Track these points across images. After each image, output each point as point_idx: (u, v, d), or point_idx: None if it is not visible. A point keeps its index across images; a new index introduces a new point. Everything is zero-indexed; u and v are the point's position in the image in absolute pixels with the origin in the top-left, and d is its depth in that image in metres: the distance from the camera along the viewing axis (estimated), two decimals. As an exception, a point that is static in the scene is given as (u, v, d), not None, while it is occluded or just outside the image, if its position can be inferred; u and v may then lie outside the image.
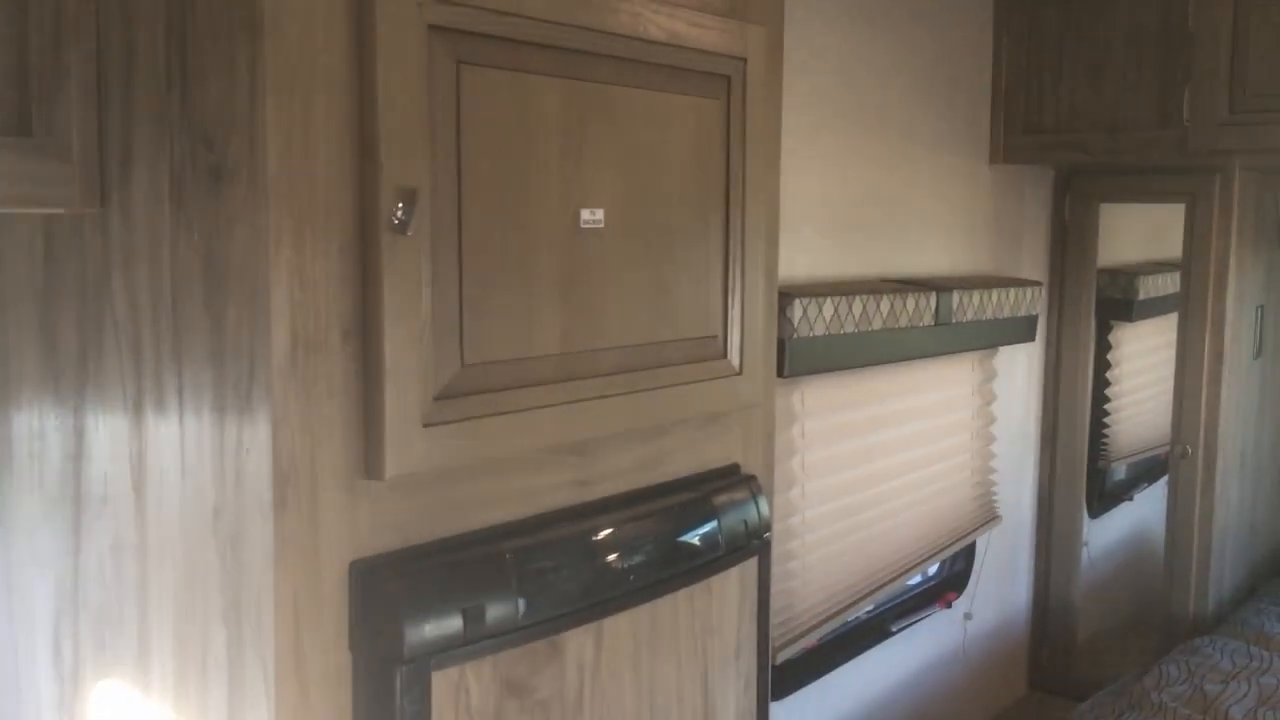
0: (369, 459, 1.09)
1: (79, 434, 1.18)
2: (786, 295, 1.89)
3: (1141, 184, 2.89)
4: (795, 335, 1.88)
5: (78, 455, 1.18)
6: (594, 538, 1.30)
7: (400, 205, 1.07)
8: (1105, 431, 3.38)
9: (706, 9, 1.43)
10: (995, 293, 2.46)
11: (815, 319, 1.91)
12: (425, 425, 1.12)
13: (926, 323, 2.21)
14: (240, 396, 1.04)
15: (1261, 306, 3.09)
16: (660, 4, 1.35)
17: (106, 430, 1.15)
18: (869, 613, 2.47)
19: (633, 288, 1.35)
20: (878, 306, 2.06)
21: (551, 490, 1.29)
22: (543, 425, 1.24)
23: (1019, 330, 2.62)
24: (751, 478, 1.58)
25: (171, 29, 1.06)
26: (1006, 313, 2.50)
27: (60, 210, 1.13)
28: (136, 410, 1.12)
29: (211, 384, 1.06)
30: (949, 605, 2.71)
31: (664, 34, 1.35)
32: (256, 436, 1.03)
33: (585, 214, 1.28)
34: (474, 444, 1.17)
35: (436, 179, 1.12)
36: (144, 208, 1.10)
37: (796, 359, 1.93)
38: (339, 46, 1.05)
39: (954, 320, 2.30)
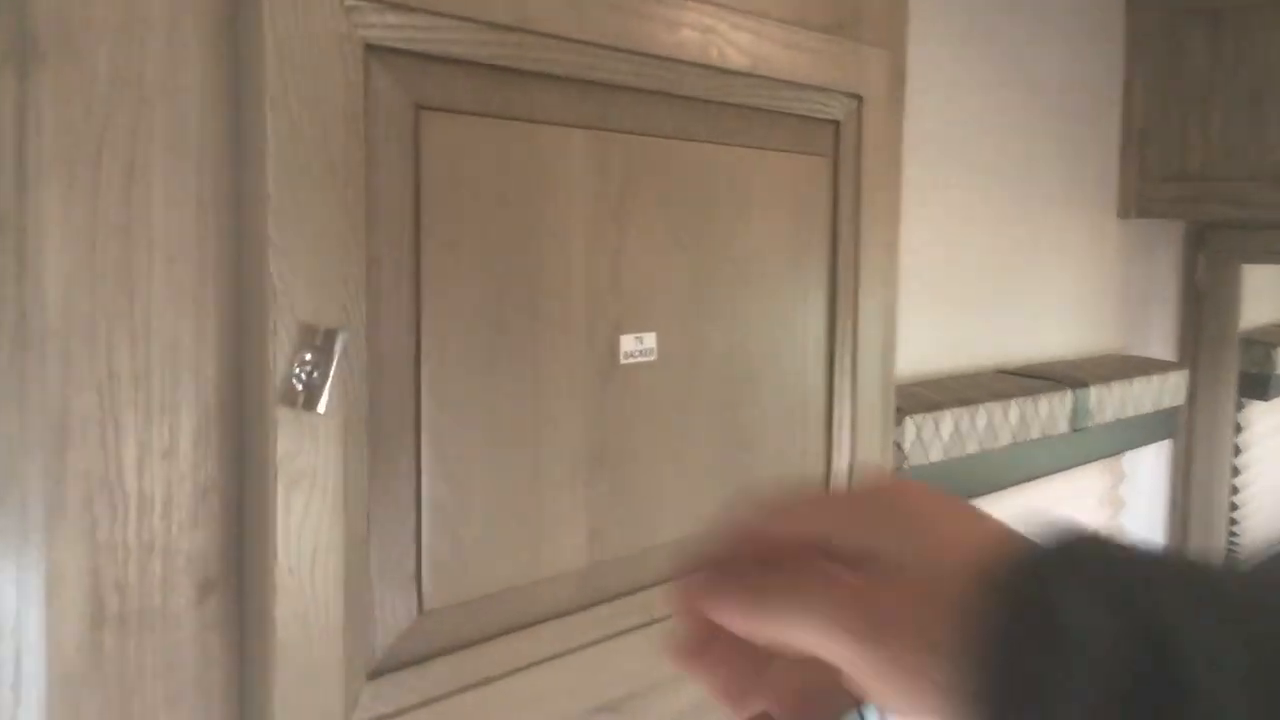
0: (244, 806, 0.62)
1: None
2: (896, 411, 1.41)
3: (1297, 241, 2.38)
4: (907, 464, 1.40)
5: None
6: None
7: (308, 358, 0.61)
8: (1234, 527, 2.86)
9: (805, 23, 0.96)
10: (1136, 383, 1.96)
11: (931, 440, 1.43)
12: (350, 732, 0.65)
13: (1061, 430, 1.72)
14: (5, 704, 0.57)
15: None
16: (741, 15, 0.88)
17: None
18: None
19: (700, 446, 0.88)
20: (1005, 415, 1.58)
21: (570, 779, 0.82)
22: (555, 688, 0.77)
23: (1158, 427, 2.12)
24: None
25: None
26: (1148, 407, 2.00)
27: None
28: None
29: (-38, 679, 0.60)
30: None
31: (746, 60, 0.89)
32: (24, 795, 0.56)
33: (628, 342, 0.81)
34: (438, 743, 0.70)
35: (379, 305, 0.65)
36: None
37: (904, 492, 1.44)
38: (196, 81, 0.59)
39: (1091, 423, 1.81)
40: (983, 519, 0.44)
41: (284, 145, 0.60)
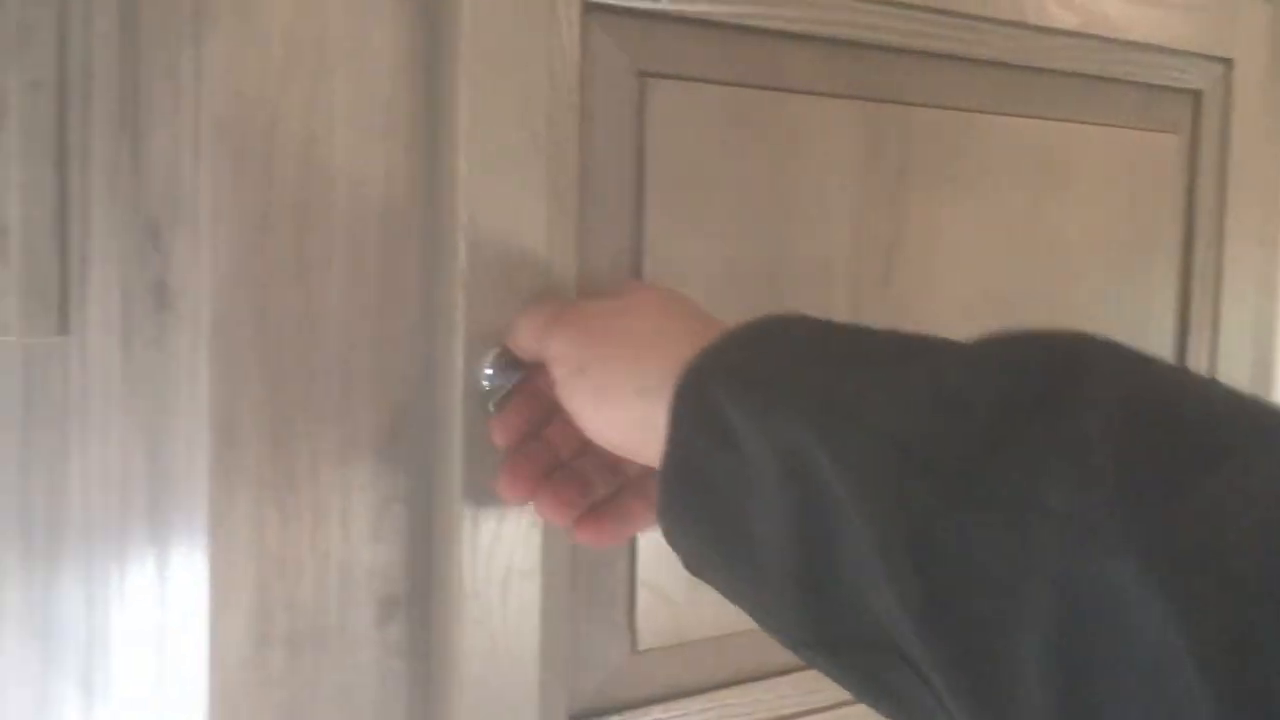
0: None
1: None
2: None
3: None
4: None
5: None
6: None
7: (495, 358, 0.54)
8: None
9: (1157, -28, 0.80)
10: None
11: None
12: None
13: None
14: (167, 728, 0.54)
15: None
16: (1070, -37, 0.73)
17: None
18: None
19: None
20: None
21: None
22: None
23: None
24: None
25: (125, 25, 0.59)
26: None
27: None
28: (86, 677, 0.66)
29: (152, 684, 0.57)
30: None
31: (1075, 18, 0.74)
32: (184, 819, 0.53)
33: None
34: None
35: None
36: (97, 345, 0.63)
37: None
38: (386, 44, 0.53)
39: None
40: (670, 326, 0.48)
41: (480, 118, 0.53)
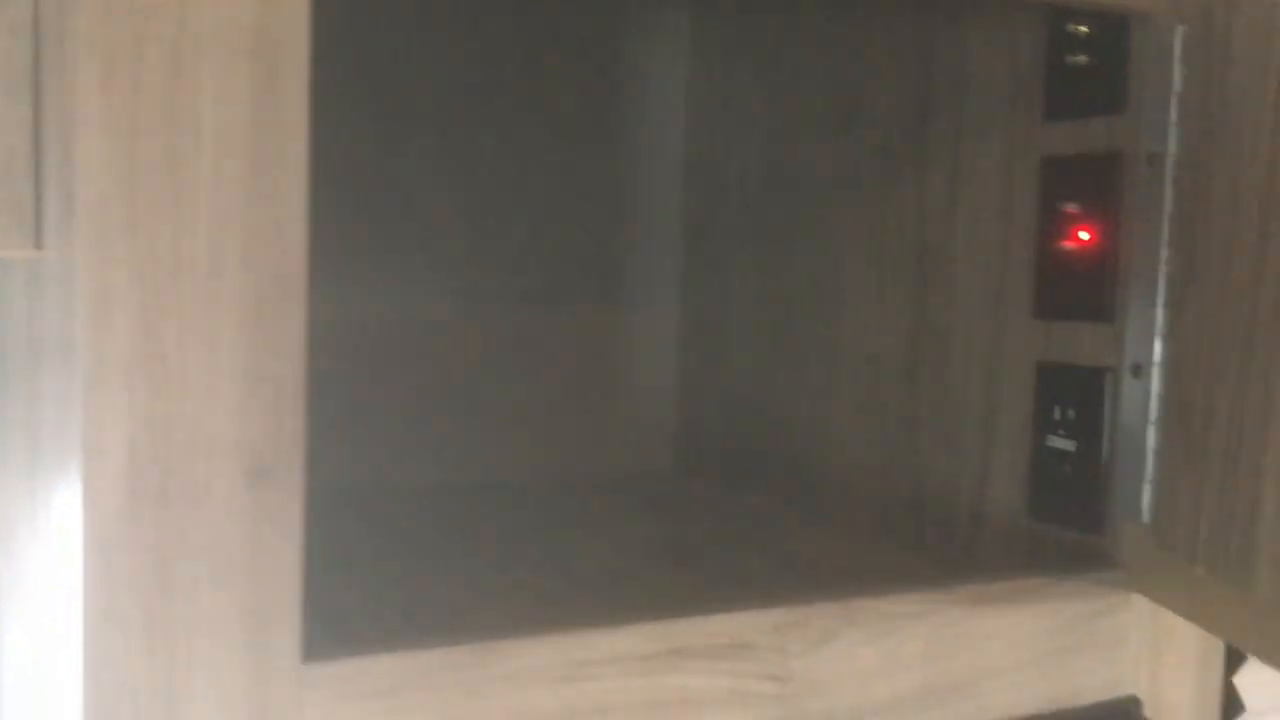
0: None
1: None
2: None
3: None
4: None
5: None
6: None
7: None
8: None
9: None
10: None
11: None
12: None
13: None
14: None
15: None
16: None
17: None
18: None
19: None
20: None
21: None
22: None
23: None
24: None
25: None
26: None
27: (-13, 252, 0.78)
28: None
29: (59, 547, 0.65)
30: None
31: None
32: None
33: None
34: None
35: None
36: (53, 259, 0.72)
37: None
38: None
39: None
40: None
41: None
